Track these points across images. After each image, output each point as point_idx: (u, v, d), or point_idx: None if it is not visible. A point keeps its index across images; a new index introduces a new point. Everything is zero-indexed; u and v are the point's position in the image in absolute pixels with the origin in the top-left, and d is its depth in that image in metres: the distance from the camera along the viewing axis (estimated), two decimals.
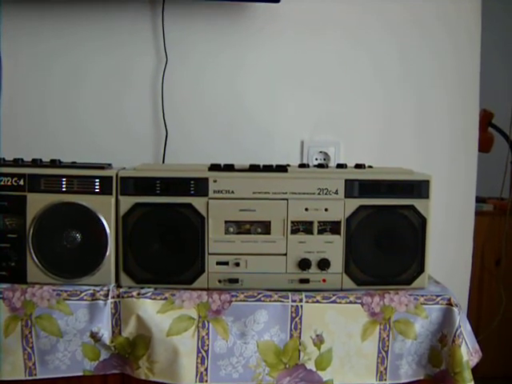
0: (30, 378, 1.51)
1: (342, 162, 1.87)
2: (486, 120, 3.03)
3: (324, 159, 2.08)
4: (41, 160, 1.62)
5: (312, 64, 2.08)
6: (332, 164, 2.02)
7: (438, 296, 1.55)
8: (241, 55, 2.08)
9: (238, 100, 2.09)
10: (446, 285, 1.65)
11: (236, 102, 2.09)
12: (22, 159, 1.61)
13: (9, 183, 1.54)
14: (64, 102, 2.07)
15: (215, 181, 1.54)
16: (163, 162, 2.05)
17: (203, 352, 1.50)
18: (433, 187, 1.56)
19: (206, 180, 1.54)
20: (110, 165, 1.64)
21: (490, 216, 3.09)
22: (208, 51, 2.07)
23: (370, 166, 1.72)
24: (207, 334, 1.51)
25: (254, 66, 2.08)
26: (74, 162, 1.67)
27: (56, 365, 1.51)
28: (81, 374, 1.52)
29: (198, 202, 1.54)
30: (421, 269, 1.58)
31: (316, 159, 2.09)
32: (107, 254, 1.55)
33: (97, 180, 1.54)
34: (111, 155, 1.89)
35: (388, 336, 1.53)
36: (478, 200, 2.29)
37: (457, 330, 1.51)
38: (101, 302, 1.51)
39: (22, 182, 1.54)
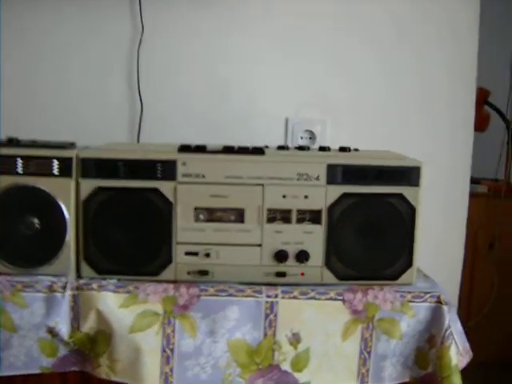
0: None
1: (328, 142, 1.68)
2: (482, 98, 2.82)
3: (310, 138, 1.89)
4: None
5: (298, 36, 1.88)
6: (319, 144, 1.82)
7: (426, 293, 1.37)
8: (221, 28, 1.88)
9: (218, 75, 1.89)
10: (436, 272, 1.49)
11: (215, 78, 1.89)
12: None
13: None
14: (39, 75, 1.88)
15: (184, 163, 1.34)
16: (138, 140, 1.86)
17: (168, 351, 1.33)
18: (424, 174, 1.37)
19: (174, 162, 1.35)
20: (72, 144, 1.44)
21: (484, 198, 2.88)
22: (186, 23, 1.87)
23: (356, 149, 1.53)
24: (173, 331, 1.33)
25: (236, 39, 1.88)
26: (35, 141, 1.47)
27: (11, 361, 1.34)
28: (38, 371, 1.35)
29: (165, 187, 1.35)
30: (408, 263, 1.39)
31: (301, 138, 1.89)
32: (66, 241, 1.36)
33: (55, 161, 1.35)
34: (84, 133, 1.72)
35: (371, 336, 1.36)
36: (472, 181, 2.10)
37: (446, 330, 1.34)
38: (58, 295, 1.33)
39: None
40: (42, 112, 1.88)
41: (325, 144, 1.59)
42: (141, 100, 1.86)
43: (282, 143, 1.86)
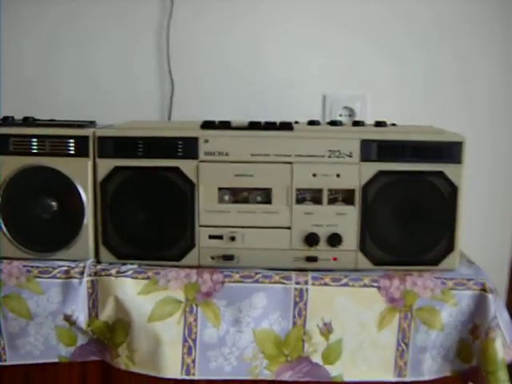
0: (0, 363, 1.29)
1: (369, 119, 1.57)
2: None
3: (349, 115, 1.78)
4: (13, 118, 1.37)
5: (335, 8, 1.77)
6: None
7: (469, 280, 1.26)
8: (258, 7, 1.78)
9: (253, 51, 1.79)
10: (482, 258, 1.38)
11: (250, 54, 1.79)
12: None
13: None
14: (63, 58, 1.82)
15: (206, 141, 1.25)
16: (169, 119, 1.80)
17: (190, 341, 1.25)
18: (466, 150, 1.26)
19: (195, 140, 1.26)
20: (92, 122, 1.37)
21: None
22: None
23: (394, 124, 1.42)
24: (195, 320, 1.25)
25: (272, 14, 1.78)
26: (53, 120, 1.40)
27: (28, 350, 1.29)
28: (56, 360, 1.29)
29: (186, 166, 1.26)
30: (450, 247, 1.28)
31: (340, 115, 1.78)
32: (84, 224, 1.29)
33: (71, 140, 1.28)
34: (115, 113, 1.64)
35: (409, 326, 1.26)
36: None
37: (491, 320, 1.23)
38: (75, 281, 1.26)
39: None
40: (68, 93, 1.82)
41: (366, 121, 1.49)
42: (171, 79, 1.78)
43: None
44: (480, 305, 1.25)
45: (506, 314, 1.30)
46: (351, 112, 1.78)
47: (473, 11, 1.76)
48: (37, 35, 1.81)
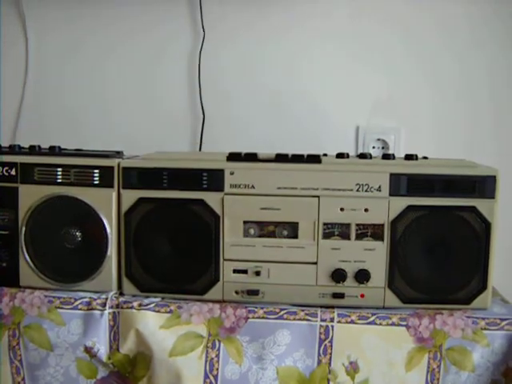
0: None
1: (403, 152, 1.53)
2: None
3: (383, 148, 1.75)
4: (39, 147, 1.36)
5: (370, 38, 1.75)
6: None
7: (503, 320, 1.21)
8: (288, 28, 1.76)
9: (285, 81, 1.78)
10: None
11: (282, 83, 1.78)
12: (18, 145, 1.36)
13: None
14: (94, 87, 1.84)
15: (232, 173, 1.23)
16: (200, 149, 1.78)
17: (212, 377, 1.21)
18: (500, 185, 1.21)
19: (221, 172, 1.23)
20: (119, 153, 1.35)
21: None
22: (250, 30, 1.77)
23: (425, 157, 1.38)
24: (217, 355, 1.21)
25: (304, 41, 1.77)
26: (79, 150, 1.39)
27: (47, 381, 1.26)
28: None
29: (211, 198, 1.24)
30: (483, 285, 1.23)
31: (373, 147, 1.75)
32: (107, 256, 1.27)
33: (96, 171, 1.26)
34: (144, 144, 1.62)
35: (439, 367, 1.20)
36: None
37: None
38: (97, 313, 1.24)
39: (13, 172, 1.28)
40: (97, 124, 1.84)
41: (399, 155, 1.45)
42: (203, 109, 1.77)
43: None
44: None
45: None
46: (385, 144, 1.75)
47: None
48: (67, 66, 1.84)
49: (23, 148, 1.37)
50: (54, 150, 1.34)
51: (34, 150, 1.34)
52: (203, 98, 1.78)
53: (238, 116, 1.79)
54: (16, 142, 1.74)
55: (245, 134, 1.78)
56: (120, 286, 1.29)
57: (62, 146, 1.39)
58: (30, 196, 1.27)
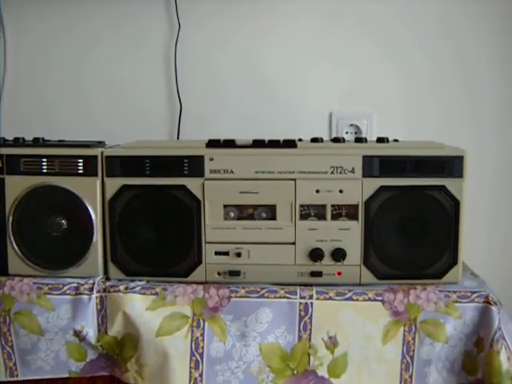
0: (12, 379, 1.31)
1: (375, 136, 1.58)
2: None
3: (355, 133, 1.80)
4: (23, 139, 1.39)
5: (338, 29, 1.79)
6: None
7: (473, 292, 1.26)
8: (259, 23, 1.80)
9: (258, 71, 1.82)
10: (490, 277, 1.36)
11: (256, 74, 1.82)
12: (3, 138, 1.39)
13: None
14: (72, 80, 1.87)
15: (212, 159, 1.27)
16: (178, 139, 1.82)
17: (197, 355, 1.25)
18: (467, 164, 1.26)
19: (201, 158, 1.28)
20: (101, 142, 1.40)
21: None
22: (224, 19, 1.81)
23: (396, 140, 1.43)
24: (202, 334, 1.26)
25: (274, 34, 1.81)
26: (62, 141, 1.43)
27: (39, 365, 1.30)
28: (66, 375, 1.31)
29: (192, 184, 1.28)
30: (453, 260, 1.28)
31: (346, 133, 1.80)
32: (93, 242, 1.31)
33: (80, 160, 1.30)
34: (123, 135, 1.63)
35: (414, 339, 1.25)
36: None
37: (495, 332, 1.22)
38: (85, 297, 1.28)
39: None
40: (77, 115, 1.86)
41: (371, 139, 1.50)
42: (180, 100, 1.81)
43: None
44: (484, 317, 1.24)
45: (510, 326, 1.29)
46: (357, 129, 1.80)
47: (480, 25, 1.77)
48: (49, 59, 1.86)
49: (7, 140, 1.40)
50: (38, 142, 1.38)
51: (18, 142, 1.37)
52: (180, 89, 1.81)
53: (214, 105, 1.83)
54: None
55: (221, 122, 1.82)
56: (106, 271, 1.33)
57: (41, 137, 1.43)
58: (16, 186, 1.30)
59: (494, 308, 1.24)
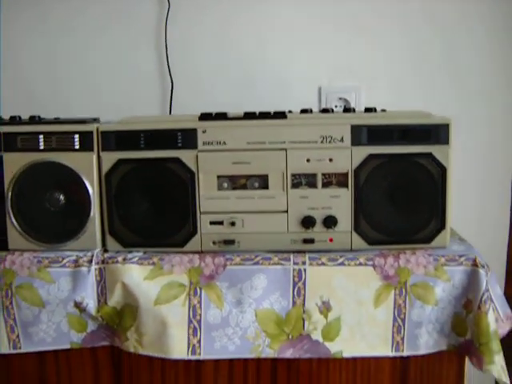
0: (15, 351, 1.34)
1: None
2: None
3: (344, 106, 1.83)
4: (19, 117, 1.41)
5: (328, 5, 1.82)
6: None
7: (461, 256, 1.30)
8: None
9: (249, 46, 1.85)
10: (480, 238, 1.43)
11: (246, 48, 1.85)
12: None
13: None
14: (64, 58, 1.88)
15: (204, 131, 1.30)
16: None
17: (195, 322, 1.29)
18: (453, 132, 1.29)
19: (194, 131, 1.30)
20: (96, 119, 1.43)
21: None
22: None
23: (384, 110, 1.46)
24: (199, 302, 1.29)
25: (266, 9, 1.83)
26: (57, 118, 1.46)
27: (41, 337, 1.33)
28: (68, 346, 1.34)
29: (186, 156, 1.31)
30: (441, 225, 1.32)
31: (335, 106, 1.83)
32: (91, 215, 1.34)
33: (76, 136, 1.33)
34: (115, 113, 1.64)
35: (404, 302, 1.29)
36: None
37: (483, 294, 1.25)
38: (84, 269, 1.31)
39: None
40: (69, 94, 1.88)
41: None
42: (171, 76, 1.84)
43: None
44: (472, 279, 1.28)
45: (498, 289, 1.33)
46: (346, 103, 1.83)
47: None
48: (36, 36, 1.87)
49: (3, 119, 1.42)
50: (34, 119, 1.40)
51: (15, 120, 1.40)
52: (171, 66, 1.84)
53: (204, 81, 1.86)
54: None
55: (212, 98, 1.84)
56: (104, 244, 1.36)
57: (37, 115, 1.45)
58: (14, 163, 1.33)
59: (481, 271, 1.27)
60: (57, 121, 1.41)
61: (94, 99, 1.87)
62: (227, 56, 1.85)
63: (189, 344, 1.29)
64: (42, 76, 1.88)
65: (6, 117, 1.43)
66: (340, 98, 1.83)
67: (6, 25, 1.86)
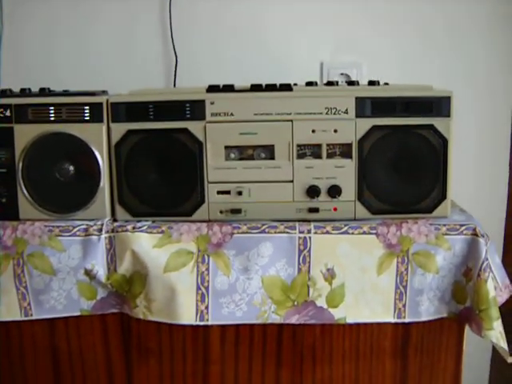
0: (27, 318, 1.37)
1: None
2: None
3: (346, 81, 1.85)
4: (29, 89, 1.44)
5: None
6: None
7: (461, 225, 1.33)
8: None
9: (252, 21, 1.88)
10: (479, 208, 1.46)
11: (250, 23, 1.88)
12: (10, 89, 1.44)
13: None
14: (73, 34, 1.91)
15: (212, 103, 1.33)
16: None
17: (203, 289, 1.32)
18: (454, 104, 1.33)
19: (202, 102, 1.33)
20: (104, 92, 1.45)
21: None
22: None
23: (386, 83, 1.49)
24: (207, 269, 1.32)
25: None
26: (66, 91, 1.49)
27: (52, 304, 1.36)
28: (78, 313, 1.37)
29: (194, 127, 1.34)
30: (442, 195, 1.35)
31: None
32: (101, 186, 1.37)
33: (86, 107, 1.35)
34: (121, 85, 1.65)
35: (406, 269, 1.32)
36: None
37: (483, 262, 1.29)
38: (94, 238, 1.34)
39: (8, 113, 1.36)
40: (75, 69, 1.91)
41: None
42: (175, 52, 1.86)
43: None
44: (472, 248, 1.31)
45: (497, 258, 1.37)
46: (347, 78, 1.86)
47: None
48: (40, 14, 1.89)
49: (14, 92, 1.45)
50: (44, 92, 1.43)
51: (25, 93, 1.43)
52: (175, 42, 1.86)
53: (208, 57, 1.89)
54: None
55: (216, 74, 1.86)
56: (113, 213, 1.39)
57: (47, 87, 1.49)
58: (24, 134, 1.36)
59: (481, 240, 1.30)
60: (66, 93, 1.43)
61: (97, 75, 1.89)
62: (231, 31, 1.88)
63: (197, 310, 1.32)
64: (43, 51, 1.91)
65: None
66: (342, 74, 1.87)
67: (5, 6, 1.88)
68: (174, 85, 1.86)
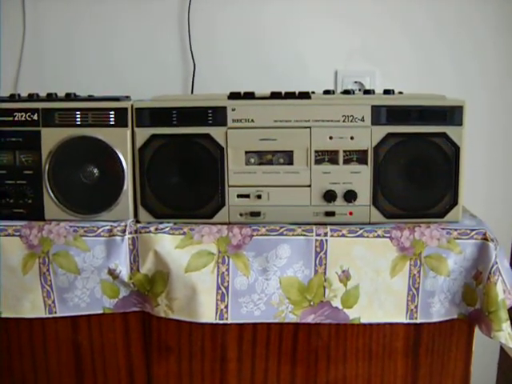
0: (51, 315, 1.42)
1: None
2: None
3: (359, 90, 1.91)
4: (56, 94, 1.49)
5: None
6: None
7: (472, 230, 1.38)
8: None
9: (269, 29, 1.93)
10: (488, 213, 1.51)
11: (267, 31, 1.93)
12: (37, 94, 1.49)
13: (23, 118, 1.41)
14: (94, 43, 1.96)
15: (234, 109, 1.38)
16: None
17: (223, 288, 1.37)
18: (467, 113, 1.38)
19: (224, 109, 1.39)
20: (127, 97, 1.50)
21: None
22: None
23: (401, 92, 1.55)
24: (227, 269, 1.37)
25: None
26: (91, 96, 1.54)
27: (75, 302, 1.41)
28: (101, 311, 1.42)
29: (216, 132, 1.39)
30: (454, 201, 1.40)
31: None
32: (124, 188, 1.42)
33: (112, 112, 1.40)
34: (140, 91, 1.72)
35: (419, 272, 1.37)
36: None
37: (492, 266, 1.33)
38: (118, 238, 1.39)
39: (35, 117, 1.41)
40: (93, 74, 1.96)
41: None
42: (193, 59, 1.91)
43: None
44: (482, 252, 1.35)
45: (506, 262, 1.40)
46: (361, 86, 1.92)
47: None
48: (61, 22, 1.94)
49: (41, 96, 1.49)
50: (69, 96, 1.48)
51: (52, 97, 1.48)
52: (193, 48, 1.92)
53: (225, 65, 1.93)
54: (17, 91, 1.87)
55: (233, 81, 1.90)
56: (136, 215, 1.44)
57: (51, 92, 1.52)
58: (51, 138, 1.41)
59: (491, 244, 1.35)
60: (91, 98, 1.49)
61: (116, 81, 1.94)
62: (247, 39, 1.92)
63: (217, 309, 1.37)
64: (63, 58, 1.96)
65: (25, 94, 1.50)
66: (355, 82, 1.92)
67: (27, 11, 1.93)
68: (192, 91, 1.91)
